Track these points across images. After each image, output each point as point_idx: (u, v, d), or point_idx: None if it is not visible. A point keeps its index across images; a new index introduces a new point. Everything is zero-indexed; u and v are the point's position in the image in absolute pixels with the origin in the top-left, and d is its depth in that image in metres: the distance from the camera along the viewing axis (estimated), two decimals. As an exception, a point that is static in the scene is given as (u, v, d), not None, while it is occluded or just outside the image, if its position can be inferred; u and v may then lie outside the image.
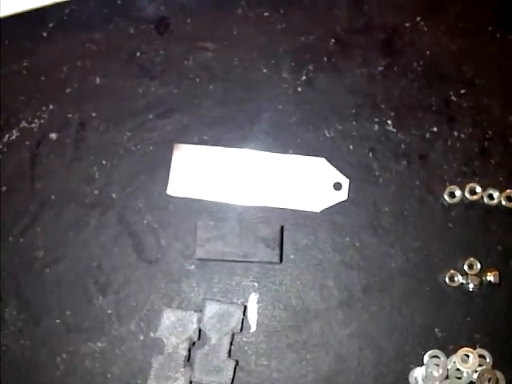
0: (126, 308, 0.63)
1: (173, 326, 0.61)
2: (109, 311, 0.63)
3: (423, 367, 0.61)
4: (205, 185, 0.66)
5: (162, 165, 0.66)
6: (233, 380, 0.61)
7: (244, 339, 0.63)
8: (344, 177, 0.65)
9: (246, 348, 0.63)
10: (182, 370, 0.61)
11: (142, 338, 0.63)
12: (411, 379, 0.61)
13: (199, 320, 0.62)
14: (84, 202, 0.65)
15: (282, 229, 0.64)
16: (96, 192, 0.66)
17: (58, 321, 0.63)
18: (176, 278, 0.64)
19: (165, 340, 0.61)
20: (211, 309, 0.62)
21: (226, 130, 0.66)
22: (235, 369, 0.61)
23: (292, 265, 0.64)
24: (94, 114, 0.67)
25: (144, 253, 0.64)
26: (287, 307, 0.63)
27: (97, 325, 0.63)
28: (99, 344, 0.63)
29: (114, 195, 0.66)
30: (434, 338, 0.62)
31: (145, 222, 0.65)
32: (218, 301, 0.62)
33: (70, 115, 0.67)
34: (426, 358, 0.61)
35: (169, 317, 0.61)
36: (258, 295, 0.63)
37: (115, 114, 0.67)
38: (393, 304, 0.63)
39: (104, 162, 0.66)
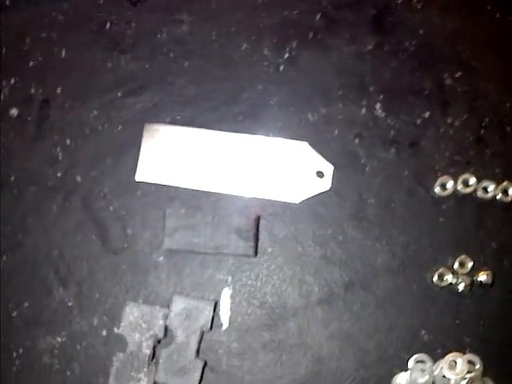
0: (88, 301, 0.60)
1: (136, 322, 0.58)
2: (70, 304, 0.60)
3: (408, 372, 0.58)
4: (177, 170, 0.62)
5: (131, 147, 0.63)
6: (200, 382, 0.58)
7: (214, 338, 0.60)
8: (328, 164, 0.62)
9: (216, 347, 0.60)
10: (145, 369, 0.57)
11: (104, 333, 0.60)
12: (394, 385, 0.59)
13: (165, 316, 0.59)
14: (46, 184, 0.62)
15: (259, 219, 0.61)
16: (59, 174, 0.62)
17: (14, 313, 0.60)
18: (143, 270, 0.61)
19: (127, 337, 0.58)
20: (178, 304, 0.58)
21: (202, 110, 0.63)
22: (203, 370, 0.58)
23: (269, 258, 0.61)
24: (58, 90, 0.64)
25: (109, 242, 0.61)
26: (263, 304, 0.60)
27: (56, 318, 0.60)
28: (59, 339, 0.60)
29: (78, 178, 0.62)
30: (420, 341, 0.59)
31: (111, 208, 0.62)
32: (187, 295, 0.59)
33: (32, 90, 0.64)
34: (410, 362, 0.58)
35: (132, 312, 0.58)
36: (231, 290, 0.60)
37: (82, 90, 0.64)
38: (377, 303, 0.60)
39: (68, 142, 0.63)
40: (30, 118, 0.63)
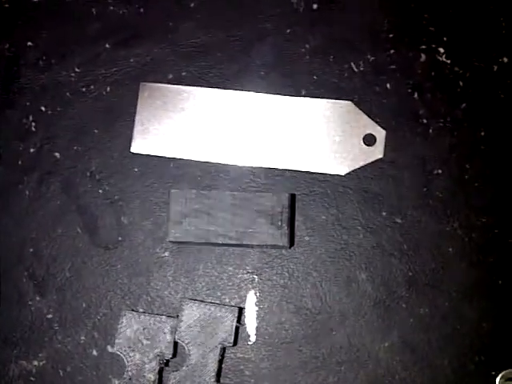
0: (73, 312, 0.54)
1: (136, 338, 0.51)
2: (49, 316, 0.54)
3: (495, 394, 0.53)
4: (183, 139, 0.56)
5: (124, 112, 0.57)
6: None
7: (239, 355, 0.53)
8: (379, 127, 0.55)
9: (241, 368, 0.53)
10: None
11: (95, 353, 0.54)
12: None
13: (174, 329, 0.51)
14: (16, 163, 0.57)
15: (293, 199, 0.54)
16: (32, 150, 0.57)
17: (-22, 330, 0.54)
18: (143, 270, 0.54)
19: (125, 357, 0.51)
20: (191, 313, 0.51)
21: (213, 63, 0.57)
22: None
23: (307, 250, 0.54)
24: (29, 44, 0.58)
25: (99, 235, 0.55)
26: (300, 310, 0.54)
27: (32, 336, 0.54)
28: (36, 363, 0.54)
29: (57, 155, 0.57)
30: (510, 353, 0.52)
31: (100, 191, 0.56)
32: (202, 301, 0.52)
33: (-4, 45, 0.58)
34: (498, 380, 0.52)
35: (130, 324, 0.51)
36: (258, 293, 0.54)
37: (59, 42, 0.58)
38: (450, 304, 0.53)
39: (43, 110, 0.57)
40: (-6, 81, 0.58)
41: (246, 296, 0.54)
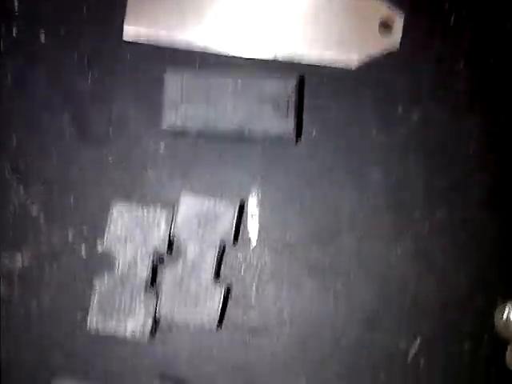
0: (60, 205, 0.50)
1: (128, 231, 0.46)
2: (34, 210, 0.51)
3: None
4: (181, 22, 0.51)
5: None
6: (221, 315, 0.47)
7: (240, 255, 0.49)
8: (396, 13, 0.50)
9: (243, 267, 0.49)
10: (142, 298, 0.46)
11: (83, 250, 0.50)
12: (499, 319, 0.48)
13: (170, 222, 0.47)
14: None
15: (302, 83, 0.49)
16: (14, 31, 0.52)
17: (-45, 228, 0.50)
18: (136, 162, 0.50)
19: (116, 252, 0.47)
20: (189, 205, 0.47)
21: None
22: (226, 299, 0.47)
23: (314, 147, 0.50)
24: None
25: (88, 126, 0.51)
26: (305, 211, 0.50)
27: (16, 231, 0.51)
28: (19, 260, 0.50)
29: (42, 38, 0.52)
30: None
31: (89, 77, 0.51)
32: (201, 195, 0.48)
33: None
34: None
35: (122, 216, 0.47)
36: (261, 192, 0.50)
37: None
38: (471, 209, 0.49)
39: None
40: None
41: (248, 195, 0.49)
